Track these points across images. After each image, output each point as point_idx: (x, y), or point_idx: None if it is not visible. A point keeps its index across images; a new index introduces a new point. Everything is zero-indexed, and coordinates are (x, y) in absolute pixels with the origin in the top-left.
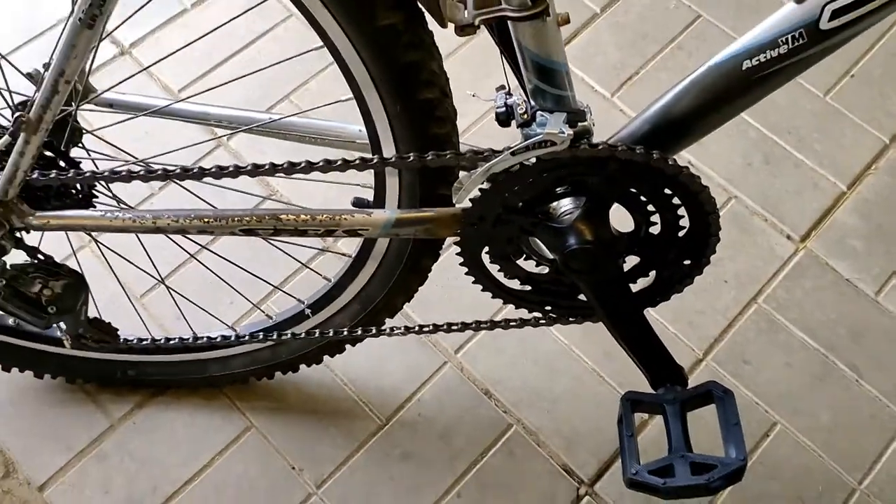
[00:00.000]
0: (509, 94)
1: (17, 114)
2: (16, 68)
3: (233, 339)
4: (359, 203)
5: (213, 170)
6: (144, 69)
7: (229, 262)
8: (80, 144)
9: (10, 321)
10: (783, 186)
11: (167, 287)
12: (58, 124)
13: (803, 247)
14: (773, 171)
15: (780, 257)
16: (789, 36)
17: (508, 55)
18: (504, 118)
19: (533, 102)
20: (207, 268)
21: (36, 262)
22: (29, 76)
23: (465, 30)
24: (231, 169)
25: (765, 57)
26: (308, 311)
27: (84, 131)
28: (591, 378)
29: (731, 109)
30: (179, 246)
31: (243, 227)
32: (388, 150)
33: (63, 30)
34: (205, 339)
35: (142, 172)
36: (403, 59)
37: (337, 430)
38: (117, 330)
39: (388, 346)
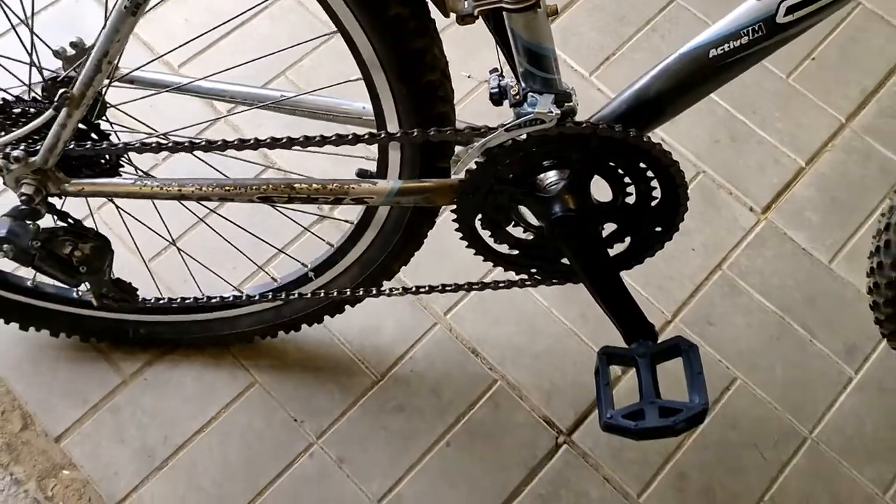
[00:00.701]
0: (501, 75)
1: (62, 90)
2: (46, 44)
3: (244, 299)
4: (362, 174)
5: (235, 142)
6: (159, 57)
7: (241, 228)
8: (104, 118)
9: (28, 283)
10: (747, 162)
11: (179, 249)
12: None
13: (764, 218)
14: (738, 147)
15: (742, 228)
16: (750, 28)
17: (501, 42)
18: (497, 98)
19: (524, 84)
20: (217, 232)
21: (66, 225)
22: (56, 53)
23: (465, 19)
24: (251, 141)
25: (729, 46)
26: (311, 274)
27: (108, 106)
28: (569, 337)
29: (700, 92)
30: (190, 210)
31: (260, 195)
32: (392, 126)
33: (107, 16)
34: (217, 298)
35: (170, 144)
36: (410, 45)
37: (335, 386)
38: (136, 290)
39: (383, 308)
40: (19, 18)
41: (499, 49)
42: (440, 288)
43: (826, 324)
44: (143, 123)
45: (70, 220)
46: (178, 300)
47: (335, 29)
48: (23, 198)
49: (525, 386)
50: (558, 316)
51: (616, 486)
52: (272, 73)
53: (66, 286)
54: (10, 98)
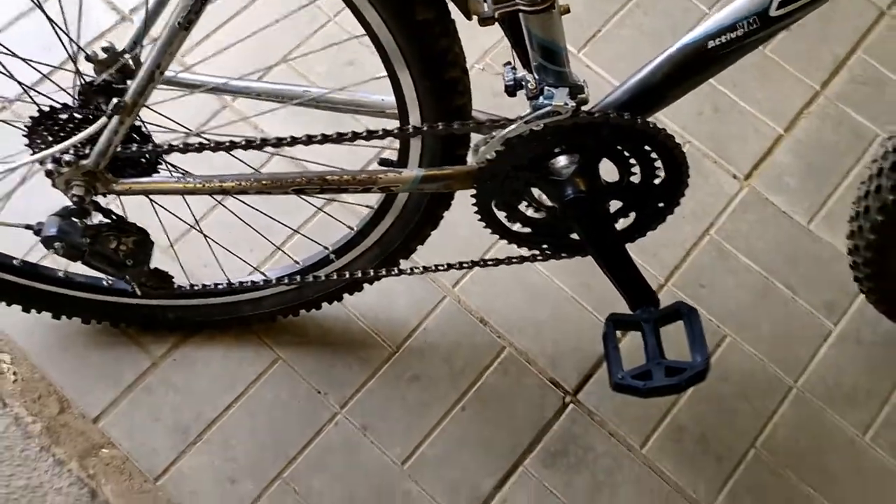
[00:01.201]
0: (514, 69)
1: (116, 100)
2: (82, 49)
3: (273, 282)
4: (384, 163)
5: (273, 140)
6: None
7: (265, 214)
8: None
9: (60, 273)
10: (730, 131)
11: (205, 235)
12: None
13: (747, 185)
14: (721, 118)
15: (727, 194)
16: (745, 21)
17: (514, 39)
18: (512, 89)
19: (538, 78)
20: (236, 215)
21: (110, 221)
22: (88, 57)
23: (485, 21)
24: (288, 140)
25: (726, 38)
26: (332, 256)
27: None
28: (571, 305)
29: (699, 79)
30: (212, 197)
31: (295, 188)
32: (414, 117)
33: (162, 31)
34: (249, 283)
35: (212, 144)
36: (435, 45)
37: (354, 359)
38: (172, 278)
39: (394, 283)
40: (58, 26)
41: (512, 45)
42: (457, 265)
43: (807, 282)
44: (175, 122)
45: (113, 217)
46: (213, 286)
47: (364, 32)
48: (74, 199)
49: (532, 351)
50: (560, 285)
51: (620, 440)
52: (273, 60)
53: (113, 278)
54: (56, 105)
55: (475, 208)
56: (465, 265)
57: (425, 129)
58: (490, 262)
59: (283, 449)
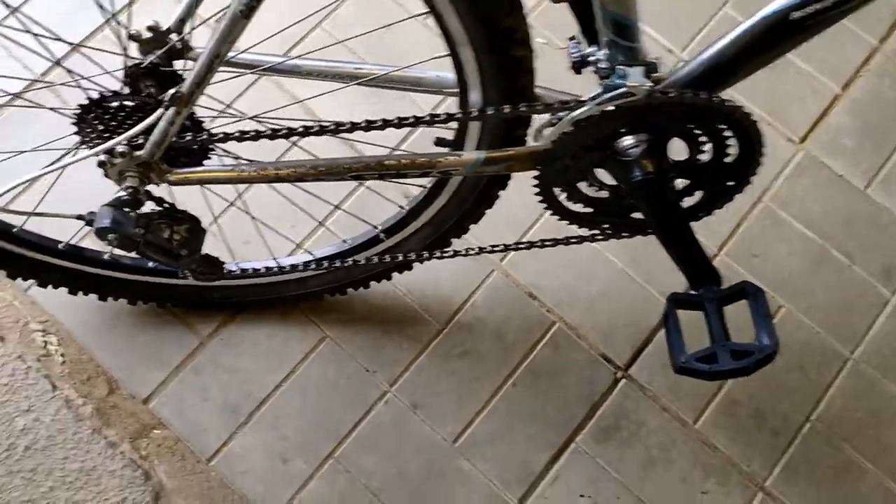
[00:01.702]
0: (579, 44)
1: (173, 90)
2: (125, 29)
3: (325, 265)
4: (441, 142)
5: (332, 126)
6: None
7: (306, 190)
8: None
9: (105, 256)
10: (785, 91)
11: (251, 217)
12: (168, 82)
13: (802, 148)
14: (777, 78)
15: (782, 159)
16: None
17: (580, 13)
18: (578, 66)
19: (609, 54)
20: (278, 192)
21: (162, 209)
22: (133, 37)
23: None
24: (348, 126)
25: (812, 9)
26: (382, 235)
27: None
28: (621, 278)
29: (778, 53)
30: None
31: (353, 174)
32: (475, 97)
33: (223, 19)
34: (301, 265)
35: (269, 131)
36: (502, 23)
37: (402, 336)
38: (223, 263)
39: (441, 259)
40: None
41: (578, 19)
42: (514, 246)
43: (863, 248)
44: (227, 105)
45: (165, 205)
46: (262, 269)
47: (427, 10)
48: (128, 190)
49: (582, 326)
50: (610, 258)
51: (673, 414)
52: (308, 26)
53: (169, 268)
54: (107, 93)
55: (535, 189)
56: (521, 245)
57: (494, 111)
58: (548, 243)
59: (333, 428)
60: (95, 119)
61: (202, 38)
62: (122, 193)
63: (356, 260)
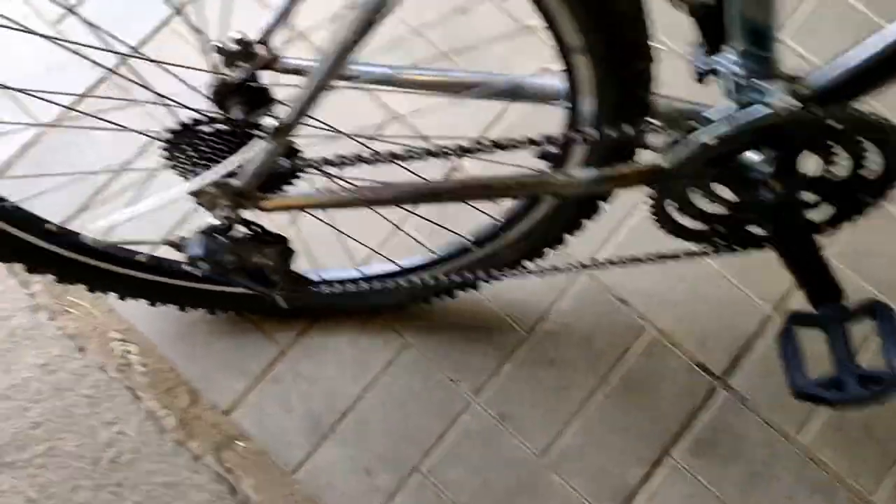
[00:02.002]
0: (706, 51)
1: (276, 122)
2: (213, 43)
3: (415, 281)
4: (545, 156)
5: (438, 149)
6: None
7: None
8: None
9: (184, 266)
10: None
11: (337, 230)
12: (258, 98)
13: None
14: None
15: None
16: None
17: (703, 18)
18: (702, 76)
19: (743, 63)
20: (379, 213)
21: (251, 233)
22: (219, 49)
23: (695, 10)
24: (456, 148)
25: None
26: (472, 247)
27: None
28: (716, 280)
29: None
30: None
31: (456, 196)
32: (587, 108)
33: (326, 55)
34: (385, 275)
35: (371, 155)
36: (628, 37)
37: (485, 343)
38: (310, 281)
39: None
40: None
41: (701, 27)
42: (618, 261)
43: None
44: (332, 128)
45: (255, 228)
46: (347, 280)
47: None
48: (221, 220)
49: (676, 332)
50: (702, 260)
51: (775, 427)
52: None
53: (263, 293)
54: (200, 116)
55: (648, 205)
56: (625, 261)
57: (609, 134)
58: (652, 258)
59: (417, 439)
60: (187, 145)
61: (292, 49)
62: (214, 221)
63: (445, 272)
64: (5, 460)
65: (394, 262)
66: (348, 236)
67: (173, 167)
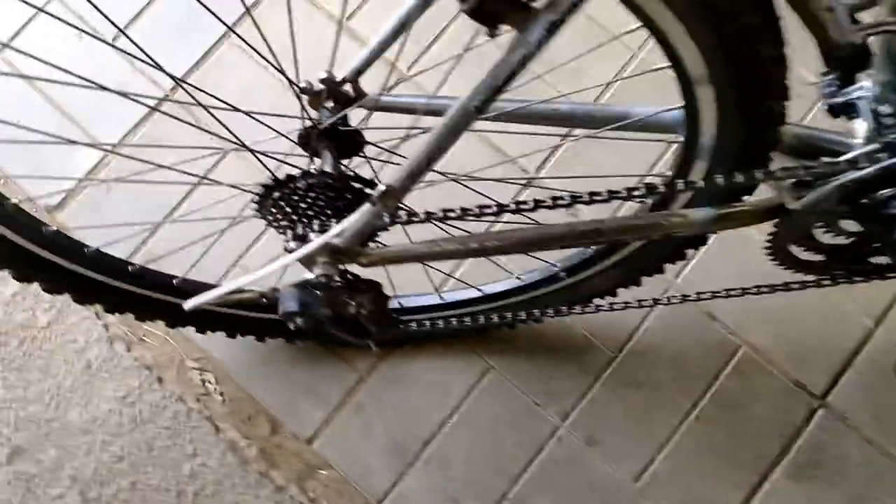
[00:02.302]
0: (840, 84)
1: (384, 188)
2: (292, 83)
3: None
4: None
5: (567, 199)
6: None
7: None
8: (360, 153)
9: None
10: None
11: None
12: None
13: None
14: None
15: None
16: None
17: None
18: (838, 110)
19: (889, 98)
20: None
21: (344, 282)
22: (304, 90)
23: (841, 49)
24: (602, 195)
25: None
26: (562, 274)
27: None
28: (812, 295)
29: None
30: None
31: (565, 243)
32: (706, 141)
33: (446, 118)
34: (467, 302)
35: (477, 209)
36: (767, 76)
37: (571, 365)
38: (399, 321)
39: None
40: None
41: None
42: (723, 293)
43: None
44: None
45: (349, 276)
46: (430, 307)
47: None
48: (320, 277)
49: (770, 349)
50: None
51: (879, 448)
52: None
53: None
54: (293, 172)
55: (764, 241)
56: (732, 293)
57: (775, 174)
58: (764, 290)
59: (504, 467)
60: (281, 200)
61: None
62: (311, 277)
63: (532, 299)
64: (89, 496)
65: (476, 287)
66: (428, 266)
67: (263, 218)
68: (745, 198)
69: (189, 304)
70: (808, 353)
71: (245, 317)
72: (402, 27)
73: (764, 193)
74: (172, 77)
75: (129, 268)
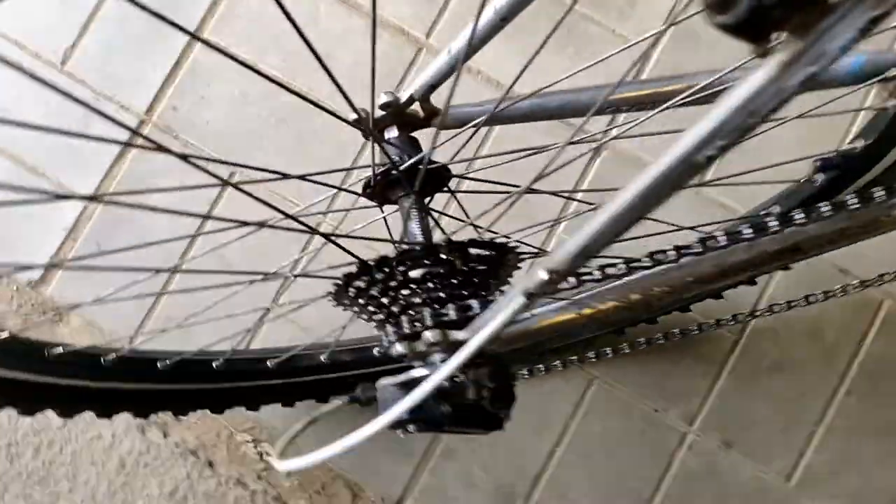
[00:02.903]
0: None
1: (544, 275)
2: (359, 115)
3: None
4: (826, 165)
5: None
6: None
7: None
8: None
9: (322, 358)
10: None
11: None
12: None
13: None
14: None
15: None
16: None
17: None
18: None
19: None
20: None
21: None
22: (357, 120)
23: None
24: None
25: None
26: None
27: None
28: None
29: None
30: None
31: (750, 272)
32: None
33: (653, 170)
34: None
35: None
36: None
37: (688, 358)
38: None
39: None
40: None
41: None
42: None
43: None
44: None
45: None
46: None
47: None
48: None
49: None
50: None
51: None
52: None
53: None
54: (378, 258)
55: None
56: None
57: None
58: None
59: (634, 490)
60: (371, 286)
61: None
62: (416, 374)
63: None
64: None
65: None
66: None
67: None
68: None
69: (284, 467)
70: None
71: (296, 382)
72: (502, 23)
73: None
74: (225, 162)
75: (159, 363)
